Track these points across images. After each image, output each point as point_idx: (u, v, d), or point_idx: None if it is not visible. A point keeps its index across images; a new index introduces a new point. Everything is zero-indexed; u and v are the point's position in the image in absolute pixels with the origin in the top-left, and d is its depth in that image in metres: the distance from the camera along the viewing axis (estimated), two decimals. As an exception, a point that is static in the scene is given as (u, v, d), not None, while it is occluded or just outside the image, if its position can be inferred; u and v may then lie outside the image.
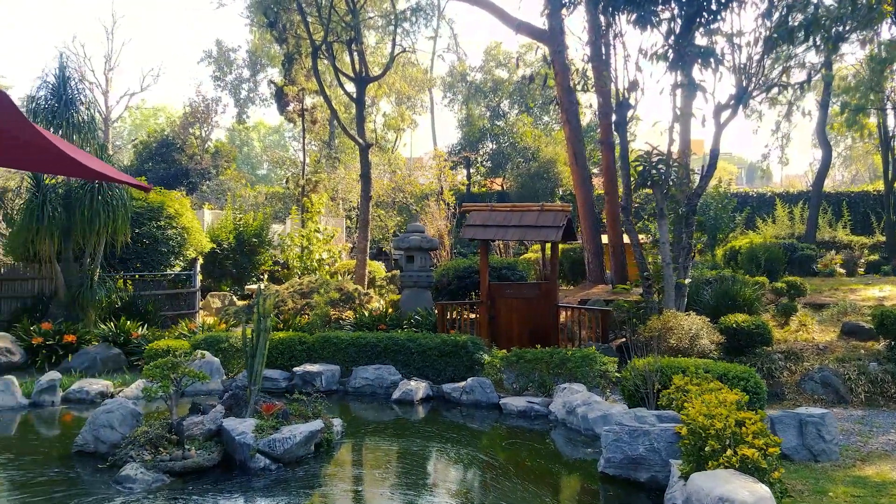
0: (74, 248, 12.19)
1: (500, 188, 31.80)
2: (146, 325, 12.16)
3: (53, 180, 11.90)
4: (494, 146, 34.07)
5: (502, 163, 32.26)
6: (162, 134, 34.40)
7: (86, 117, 12.07)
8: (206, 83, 78.85)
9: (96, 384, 8.77)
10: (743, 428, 4.74)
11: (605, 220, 16.80)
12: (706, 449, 4.59)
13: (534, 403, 8.02)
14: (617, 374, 8.33)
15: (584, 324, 11.04)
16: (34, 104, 11.59)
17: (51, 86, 11.80)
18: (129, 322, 11.71)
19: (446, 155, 31.24)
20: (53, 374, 8.56)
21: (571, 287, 17.38)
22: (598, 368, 8.30)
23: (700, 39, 10.81)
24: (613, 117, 11.57)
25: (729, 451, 4.46)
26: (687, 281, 10.49)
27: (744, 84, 10.50)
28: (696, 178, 11.15)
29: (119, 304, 12.62)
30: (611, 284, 15.75)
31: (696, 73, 10.84)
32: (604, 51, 12.24)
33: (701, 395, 5.65)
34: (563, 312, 11.53)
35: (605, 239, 16.76)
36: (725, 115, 10.79)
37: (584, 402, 7.27)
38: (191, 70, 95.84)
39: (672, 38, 10.17)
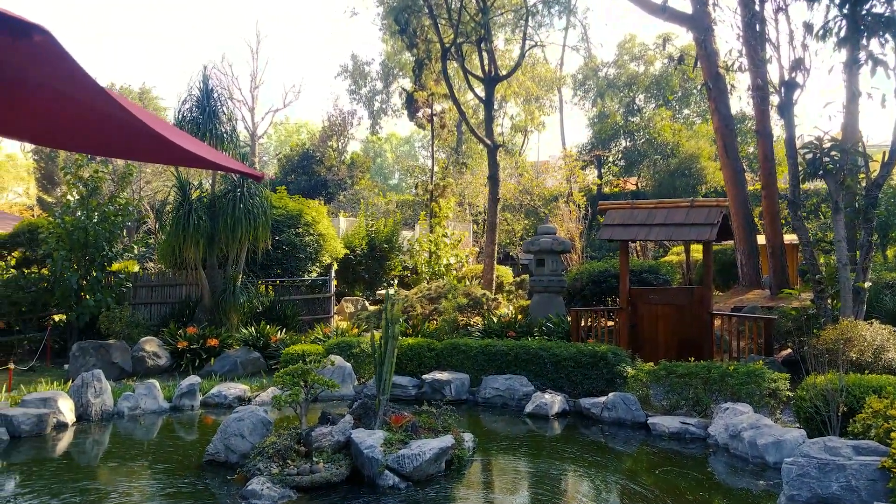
0: (218, 255, 12.69)
1: (633, 188, 30.18)
2: (285, 330, 12.39)
3: (197, 192, 12.47)
4: (628, 143, 32.41)
5: (637, 161, 30.61)
6: (303, 147, 36.04)
7: (228, 129, 12.53)
8: (343, 97, 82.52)
9: (233, 388, 8.90)
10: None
11: (758, 219, 15.23)
12: (935, 499, 3.61)
13: (688, 424, 7.11)
14: (788, 393, 7.21)
15: (742, 334, 9.85)
16: (180, 116, 12.18)
17: (195, 98, 12.37)
18: (268, 326, 11.98)
19: (576, 155, 30.17)
20: (193, 379, 8.78)
21: (720, 292, 15.90)
22: (766, 386, 7.21)
23: (878, 7, 9.37)
24: (774, 101, 10.26)
25: (969, 504, 3.47)
26: (867, 284, 9.06)
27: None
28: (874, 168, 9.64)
29: (260, 308, 12.93)
30: (768, 289, 14.20)
31: (875, 46, 9.39)
32: (758, 28, 10.92)
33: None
34: (717, 321, 10.38)
35: (760, 239, 15.20)
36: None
37: (751, 426, 6.30)
38: (329, 84, 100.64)
39: (847, 6, 8.79)
